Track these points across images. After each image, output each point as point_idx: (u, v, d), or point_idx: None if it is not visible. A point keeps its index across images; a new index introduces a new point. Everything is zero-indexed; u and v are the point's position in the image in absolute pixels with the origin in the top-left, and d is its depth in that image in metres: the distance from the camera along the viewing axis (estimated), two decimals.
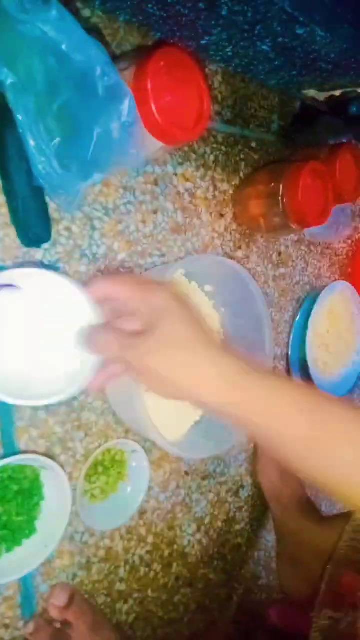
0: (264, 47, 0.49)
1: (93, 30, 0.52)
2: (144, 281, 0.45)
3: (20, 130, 0.46)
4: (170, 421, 0.63)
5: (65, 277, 0.47)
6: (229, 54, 0.51)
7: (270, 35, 0.47)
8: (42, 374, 0.47)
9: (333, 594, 0.59)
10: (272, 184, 0.65)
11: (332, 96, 0.60)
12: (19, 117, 0.46)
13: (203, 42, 0.48)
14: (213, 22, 0.45)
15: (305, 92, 0.61)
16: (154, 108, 0.47)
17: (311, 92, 0.61)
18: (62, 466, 0.54)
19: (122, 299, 0.44)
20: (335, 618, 0.56)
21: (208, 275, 0.67)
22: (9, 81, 0.44)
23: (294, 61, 0.52)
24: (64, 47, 0.41)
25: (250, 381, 0.40)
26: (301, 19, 0.44)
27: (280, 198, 0.64)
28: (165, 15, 0.45)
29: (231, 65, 0.53)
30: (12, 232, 0.51)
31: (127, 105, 0.43)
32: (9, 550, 0.51)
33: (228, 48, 0.50)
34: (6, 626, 0.53)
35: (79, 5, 0.51)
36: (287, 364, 0.83)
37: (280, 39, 0.48)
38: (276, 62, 0.52)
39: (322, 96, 0.62)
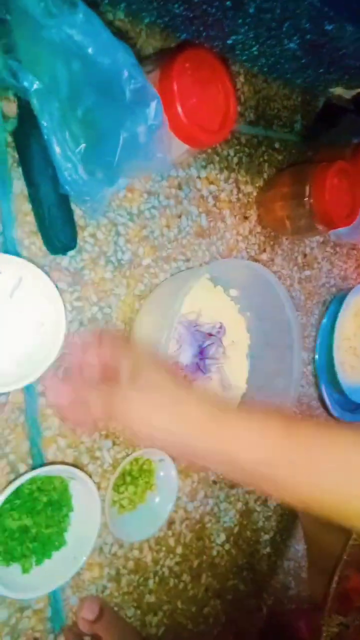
0: (291, 45, 0.48)
1: (116, 35, 0.51)
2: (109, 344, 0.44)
3: (46, 137, 0.46)
4: None
5: (42, 272, 0.48)
6: (255, 53, 0.49)
7: (298, 32, 0.46)
8: (8, 359, 0.48)
9: (341, 597, 0.57)
10: (298, 185, 0.64)
11: (359, 94, 0.59)
12: (44, 123, 0.45)
13: (229, 41, 0.47)
14: (240, 21, 0.44)
15: (331, 90, 0.59)
16: (180, 110, 0.47)
17: (337, 90, 0.60)
18: (90, 476, 0.53)
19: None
20: (345, 623, 0.54)
21: (233, 279, 0.66)
22: (34, 87, 0.44)
23: (322, 59, 0.50)
24: (90, 50, 0.40)
25: (232, 418, 0.39)
26: (331, 14, 0.42)
27: (306, 199, 0.62)
28: (191, 15, 0.44)
29: (257, 64, 0.52)
30: (38, 239, 0.51)
31: (153, 108, 0.42)
32: (38, 563, 0.50)
33: (254, 47, 0.48)
34: (36, 639, 0.52)
35: (102, 9, 0.50)
36: (314, 368, 0.82)
37: (308, 36, 0.46)
38: (303, 60, 0.51)
39: (348, 94, 0.61)
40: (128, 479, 0.58)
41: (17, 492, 0.48)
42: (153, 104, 0.42)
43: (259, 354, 0.69)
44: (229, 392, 0.67)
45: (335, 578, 0.55)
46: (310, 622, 0.75)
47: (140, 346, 0.45)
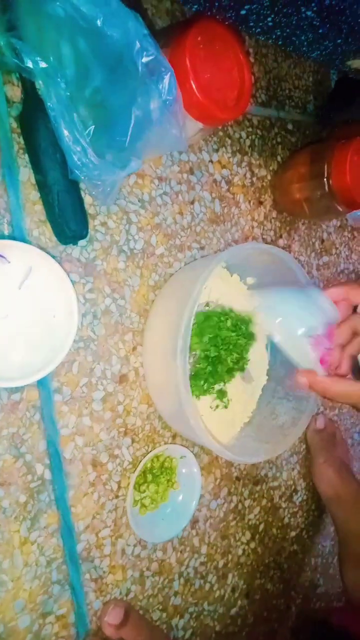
0: (309, 13, 0.45)
1: None
2: None
3: (53, 120, 0.43)
4: (221, 424, 0.60)
5: (50, 257, 0.45)
6: (270, 24, 0.47)
7: None
8: (19, 352, 0.45)
9: None
10: (316, 165, 0.61)
11: None
12: (51, 105, 0.43)
13: (243, 11, 0.45)
14: None
15: (349, 63, 0.56)
16: (194, 86, 0.44)
17: (355, 64, 0.57)
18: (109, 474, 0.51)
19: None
20: None
21: (250, 267, 0.63)
22: (40, 66, 0.42)
23: (341, 27, 0.48)
24: (98, 22, 0.37)
25: None
26: None
27: (325, 179, 0.59)
28: None
29: (272, 37, 0.49)
30: (47, 229, 0.48)
31: (167, 82, 0.40)
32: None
33: (269, 17, 0.46)
34: None
35: None
36: None
37: (327, 2, 0.43)
38: (320, 30, 0.48)
39: None
40: (149, 477, 0.55)
41: None
42: (167, 77, 0.39)
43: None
44: (251, 384, 0.64)
45: None
46: (343, 618, 0.72)
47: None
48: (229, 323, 0.60)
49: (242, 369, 0.63)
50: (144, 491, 0.55)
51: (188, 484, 0.57)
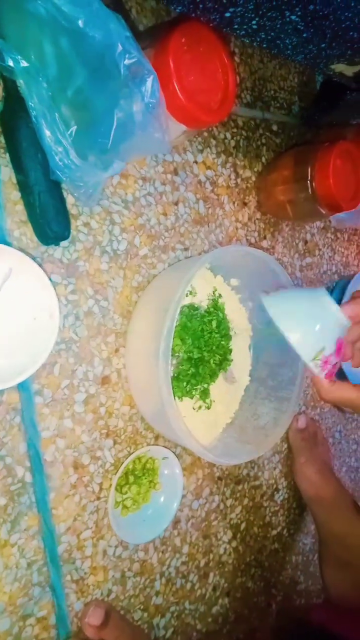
0: (293, 17, 0.45)
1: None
2: None
3: (34, 120, 0.43)
4: (203, 425, 0.60)
5: (33, 262, 0.44)
6: (254, 26, 0.47)
7: (301, 2, 0.43)
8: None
9: None
10: (300, 167, 0.61)
11: None
12: (32, 105, 0.42)
13: (227, 14, 0.44)
14: None
15: (332, 67, 0.57)
16: (177, 88, 0.44)
17: (339, 68, 0.57)
18: (91, 476, 0.51)
19: None
20: None
21: (234, 268, 0.63)
22: (21, 65, 0.41)
23: (324, 32, 0.48)
24: (80, 23, 0.37)
25: None
26: None
27: (309, 182, 0.60)
28: None
29: (256, 40, 0.49)
30: (29, 230, 0.48)
31: (150, 85, 0.39)
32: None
33: (254, 20, 0.46)
34: None
35: None
36: None
37: (311, 7, 0.43)
38: (305, 34, 0.48)
39: (350, 71, 0.58)
40: (131, 478, 0.56)
41: None
42: (149, 80, 0.39)
43: (262, 346, 0.66)
44: (233, 385, 0.64)
45: None
46: (321, 615, 0.73)
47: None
48: (213, 324, 0.60)
49: (224, 370, 0.63)
50: (126, 492, 0.55)
51: (170, 485, 0.58)
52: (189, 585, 0.63)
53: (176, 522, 0.61)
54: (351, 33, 0.48)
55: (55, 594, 0.50)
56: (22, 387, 0.48)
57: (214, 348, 0.60)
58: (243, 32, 0.48)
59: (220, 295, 0.62)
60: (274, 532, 0.74)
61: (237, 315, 0.66)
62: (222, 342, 0.61)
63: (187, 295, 0.60)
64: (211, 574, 0.65)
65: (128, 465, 0.55)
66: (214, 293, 0.62)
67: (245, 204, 0.68)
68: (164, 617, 0.60)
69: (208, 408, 0.60)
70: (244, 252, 0.55)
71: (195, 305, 0.60)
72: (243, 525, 0.69)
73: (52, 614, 0.50)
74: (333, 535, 0.66)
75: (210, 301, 0.61)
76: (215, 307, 0.61)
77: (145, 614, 0.58)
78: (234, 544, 0.68)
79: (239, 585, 0.69)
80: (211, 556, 0.65)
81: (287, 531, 0.76)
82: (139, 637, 0.55)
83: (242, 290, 0.65)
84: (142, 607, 0.58)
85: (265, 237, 0.70)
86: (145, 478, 0.56)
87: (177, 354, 0.58)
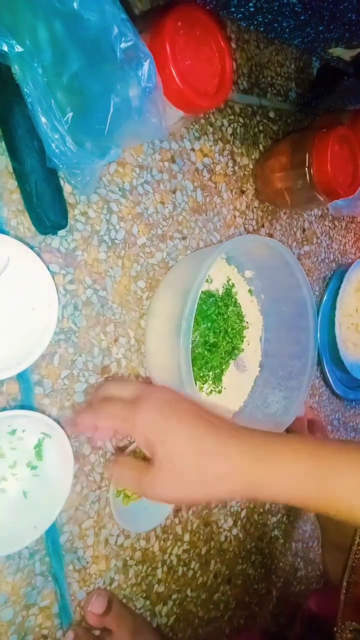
0: None
1: None
2: (125, 406, 0.44)
3: (30, 107, 0.42)
4: (215, 410, 0.60)
5: (32, 251, 0.44)
6: (252, 9, 0.46)
7: None
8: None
9: (354, 604, 0.55)
10: (297, 154, 0.61)
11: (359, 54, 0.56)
12: (27, 91, 0.42)
13: None
14: None
15: (330, 51, 0.56)
16: (174, 73, 0.43)
17: (337, 52, 0.56)
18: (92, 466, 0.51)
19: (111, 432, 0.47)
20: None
21: (248, 259, 0.63)
22: (15, 50, 0.40)
23: (322, 14, 0.47)
24: (75, 4, 0.36)
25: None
26: None
27: (306, 169, 0.59)
28: None
29: (253, 23, 0.48)
30: (26, 219, 0.47)
31: (146, 68, 0.39)
32: None
33: (251, 2, 0.45)
34: (44, 637, 0.50)
35: None
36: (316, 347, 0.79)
37: None
38: (302, 17, 0.48)
39: (348, 55, 0.57)
40: None
41: None
42: (146, 64, 0.38)
43: (274, 337, 0.66)
44: (244, 374, 0.65)
45: (344, 584, 0.53)
46: (321, 601, 0.74)
47: (151, 403, 0.43)
48: (229, 310, 0.61)
49: (235, 358, 0.64)
50: None
51: None
52: (190, 573, 0.63)
53: (177, 510, 0.61)
54: (349, 15, 0.48)
55: (58, 584, 0.50)
56: (22, 377, 0.47)
57: (228, 331, 0.61)
58: (240, 15, 0.47)
59: (233, 285, 0.63)
60: (274, 519, 0.74)
61: (249, 307, 0.66)
62: (236, 327, 0.61)
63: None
64: (212, 562, 0.65)
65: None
66: (228, 282, 0.62)
67: (243, 192, 0.67)
68: (165, 605, 0.61)
69: (219, 393, 0.61)
70: (261, 242, 0.55)
71: (212, 292, 0.60)
72: (243, 513, 0.69)
73: (55, 603, 0.51)
74: (332, 521, 0.66)
75: (224, 289, 0.62)
76: (229, 295, 0.61)
77: (147, 602, 0.59)
78: (234, 531, 0.68)
79: (240, 572, 0.69)
80: (212, 544, 0.65)
81: (287, 518, 0.76)
82: (141, 624, 0.56)
83: (254, 283, 0.65)
84: (144, 595, 0.58)
85: (263, 225, 0.70)
86: None
87: (193, 338, 0.58)
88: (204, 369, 0.59)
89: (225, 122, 0.65)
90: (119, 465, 0.45)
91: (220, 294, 0.62)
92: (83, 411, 0.46)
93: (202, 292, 0.60)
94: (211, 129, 0.63)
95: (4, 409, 0.46)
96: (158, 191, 0.58)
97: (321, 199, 0.61)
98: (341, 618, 0.53)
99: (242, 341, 0.64)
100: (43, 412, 0.49)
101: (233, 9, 0.46)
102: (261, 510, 0.72)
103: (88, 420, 0.45)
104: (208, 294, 0.60)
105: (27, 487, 0.47)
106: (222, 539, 0.66)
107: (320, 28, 0.50)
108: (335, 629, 0.52)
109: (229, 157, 0.65)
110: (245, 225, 0.68)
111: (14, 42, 0.40)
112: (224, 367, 0.62)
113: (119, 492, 0.55)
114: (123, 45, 0.38)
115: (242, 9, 0.46)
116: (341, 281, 0.77)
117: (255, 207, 0.69)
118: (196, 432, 0.41)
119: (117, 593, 0.55)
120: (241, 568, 0.69)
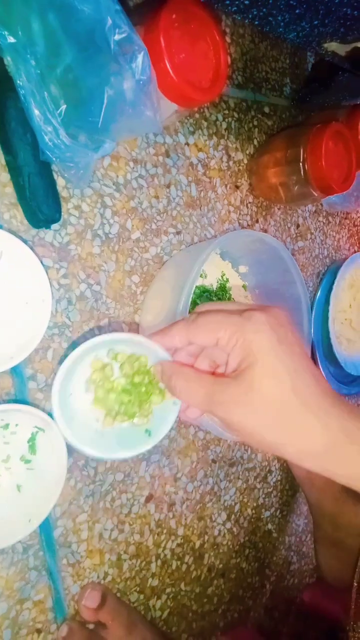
0: None
1: None
2: (233, 314, 0.37)
3: (23, 99, 0.42)
4: None
5: (21, 242, 0.44)
6: (246, 2, 0.46)
7: None
8: None
9: None
10: (292, 150, 0.61)
11: (355, 49, 0.56)
12: (20, 83, 0.41)
13: None
14: None
15: (325, 45, 0.56)
16: (168, 66, 0.43)
17: (332, 46, 0.56)
18: (86, 460, 0.50)
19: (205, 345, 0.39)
20: None
21: (242, 254, 0.63)
22: (8, 42, 0.40)
23: (318, 7, 0.47)
24: None
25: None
26: None
27: (301, 164, 0.59)
28: None
29: (248, 16, 0.48)
30: (19, 212, 0.47)
31: (141, 61, 0.39)
32: None
33: None
34: (39, 631, 0.50)
35: None
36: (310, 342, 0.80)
37: None
38: (297, 11, 0.48)
39: (343, 50, 0.57)
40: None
41: None
42: (140, 56, 0.38)
43: None
44: None
45: (355, 585, 0.53)
46: (313, 593, 0.75)
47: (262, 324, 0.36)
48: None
49: None
50: None
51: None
52: (184, 567, 0.63)
53: (171, 504, 0.61)
54: (344, 9, 0.48)
55: (52, 578, 0.50)
56: (15, 371, 0.47)
57: None
58: (235, 8, 0.47)
59: (227, 280, 0.63)
60: (268, 514, 0.74)
61: (243, 302, 0.66)
62: None
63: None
64: (206, 556, 0.66)
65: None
66: (222, 277, 0.62)
67: (237, 187, 0.67)
68: (159, 599, 0.61)
69: None
70: (255, 237, 0.55)
71: (206, 287, 0.60)
72: (237, 507, 0.69)
73: (49, 597, 0.51)
74: (325, 515, 0.67)
75: (218, 284, 0.62)
76: (223, 289, 0.61)
77: (142, 596, 0.59)
78: (228, 525, 0.68)
79: (234, 566, 0.70)
80: (206, 538, 0.65)
81: (280, 512, 0.77)
82: (135, 618, 0.56)
83: (249, 278, 0.65)
84: (138, 589, 0.58)
85: (257, 221, 0.70)
86: None
87: None
88: None
89: (220, 117, 0.64)
90: (184, 375, 0.39)
91: (215, 289, 0.62)
92: (174, 325, 0.40)
93: (196, 287, 0.60)
94: (205, 124, 0.63)
95: None
96: (152, 185, 0.58)
97: (315, 194, 0.61)
98: (354, 617, 0.53)
99: None
100: (36, 406, 0.49)
101: (228, 2, 0.46)
102: (255, 504, 0.72)
103: (184, 331, 0.39)
104: (202, 289, 0.60)
105: (20, 481, 0.47)
106: (216, 533, 0.67)
107: (315, 22, 0.50)
108: (347, 628, 0.52)
109: (224, 151, 0.65)
110: (240, 221, 0.68)
111: (6, 32, 0.40)
112: None
113: (98, 401, 0.46)
114: (117, 37, 0.37)
115: (236, 2, 0.46)
116: (335, 277, 0.78)
117: (249, 203, 0.69)
118: (304, 378, 0.35)
119: (111, 587, 0.55)
120: (235, 562, 0.70)
